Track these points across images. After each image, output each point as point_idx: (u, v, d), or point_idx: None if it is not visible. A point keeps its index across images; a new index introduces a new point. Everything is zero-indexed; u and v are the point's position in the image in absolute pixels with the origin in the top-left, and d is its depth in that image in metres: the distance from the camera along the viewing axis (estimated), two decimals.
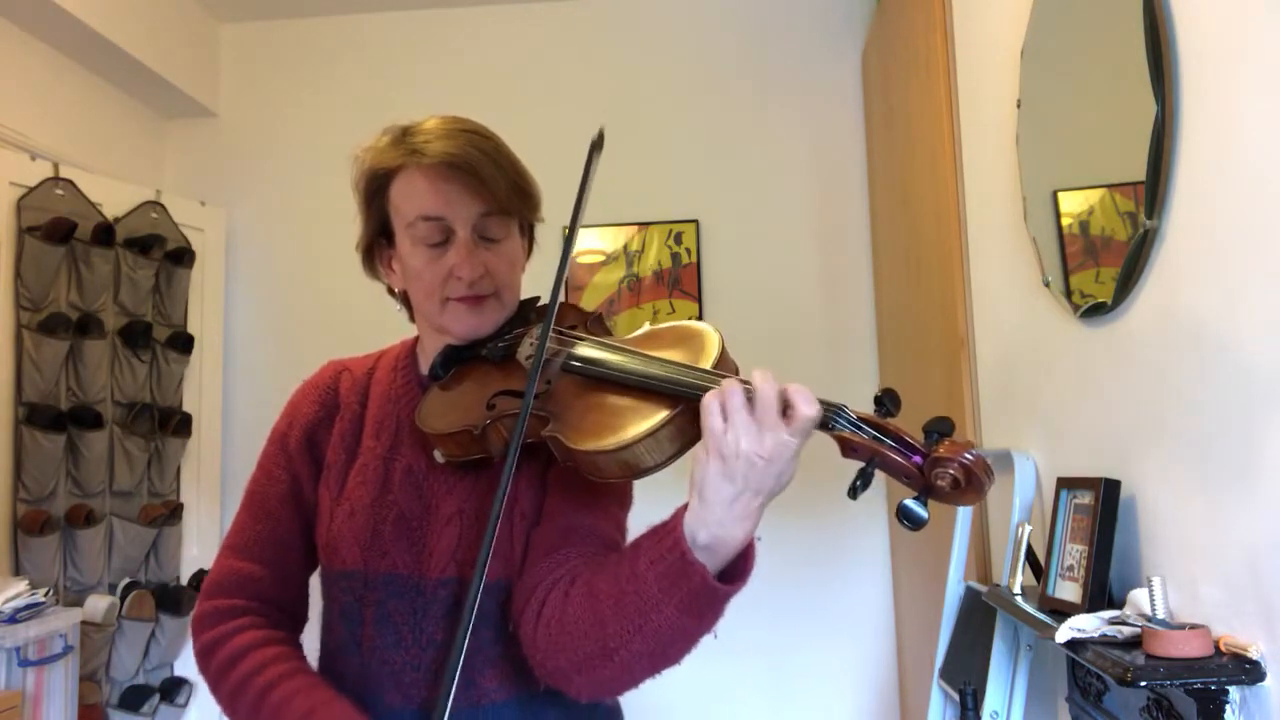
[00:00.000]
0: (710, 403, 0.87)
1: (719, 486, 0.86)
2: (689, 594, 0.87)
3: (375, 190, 1.11)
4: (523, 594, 1.01)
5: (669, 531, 0.89)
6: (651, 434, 0.91)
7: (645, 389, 0.95)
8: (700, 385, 0.90)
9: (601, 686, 0.96)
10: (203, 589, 1.14)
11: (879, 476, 0.86)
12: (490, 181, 1.05)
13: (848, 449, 0.86)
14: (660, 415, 0.91)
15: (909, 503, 0.82)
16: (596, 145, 1.03)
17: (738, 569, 0.91)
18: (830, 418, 0.86)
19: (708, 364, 0.95)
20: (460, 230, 1.07)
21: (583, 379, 1.01)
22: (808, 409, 0.85)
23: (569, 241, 1.05)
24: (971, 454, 0.81)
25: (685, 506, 0.90)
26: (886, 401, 0.87)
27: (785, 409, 0.85)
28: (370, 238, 1.15)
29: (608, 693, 0.98)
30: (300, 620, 1.19)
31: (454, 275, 1.08)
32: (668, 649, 0.91)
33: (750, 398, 0.85)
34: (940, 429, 0.84)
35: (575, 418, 0.97)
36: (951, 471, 0.81)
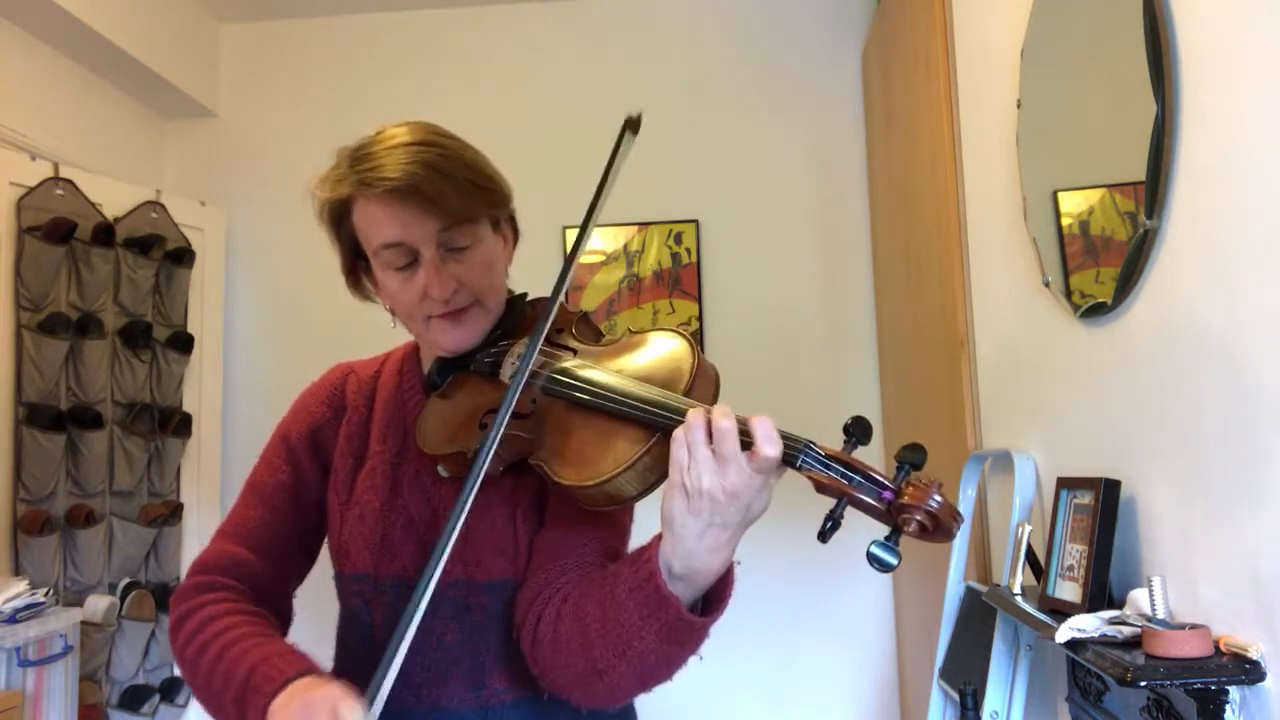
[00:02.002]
0: (677, 441, 0.86)
1: (685, 521, 0.86)
2: (666, 624, 0.88)
3: (338, 220, 1.10)
4: (523, 604, 1.02)
5: (645, 561, 0.90)
6: (631, 466, 0.92)
7: (625, 417, 0.95)
8: (675, 412, 0.91)
9: (597, 700, 0.97)
10: (190, 567, 1.13)
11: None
12: (439, 197, 1.02)
13: (819, 488, 0.85)
14: (637, 448, 0.92)
15: (876, 549, 0.81)
16: (632, 125, 1.01)
17: (717, 595, 0.92)
18: (797, 455, 0.85)
19: (682, 384, 0.95)
20: (425, 250, 1.05)
21: (565, 403, 1.01)
22: (769, 449, 0.83)
23: (576, 247, 1.03)
24: (937, 499, 0.80)
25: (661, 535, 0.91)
26: (855, 432, 0.86)
27: (748, 445, 0.84)
28: (348, 263, 1.15)
29: (605, 704, 1.00)
30: (283, 622, 1.16)
31: (428, 295, 1.06)
32: (654, 671, 0.93)
33: (710, 433, 0.85)
34: (911, 460, 0.83)
35: (559, 446, 0.98)
36: (918, 518, 0.81)
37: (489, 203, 1.09)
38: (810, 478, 0.85)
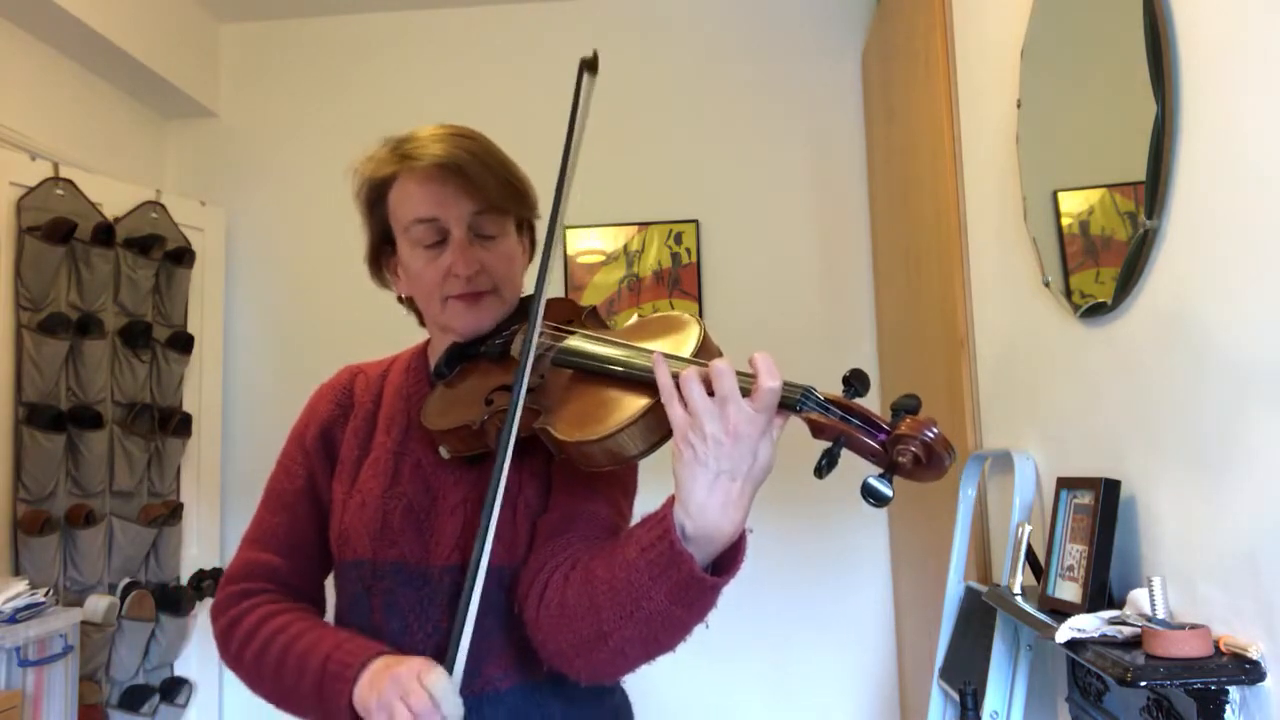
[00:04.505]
0: (668, 394, 0.88)
1: (694, 472, 0.87)
2: (678, 583, 0.89)
3: (375, 199, 1.16)
4: (527, 577, 1.04)
5: (659, 521, 0.91)
6: (633, 422, 0.93)
7: (629, 379, 0.96)
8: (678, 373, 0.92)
9: (599, 669, 0.98)
10: (222, 578, 1.18)
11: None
12: (479, 180, 1.09)
13: (816, 430, 0.87)
14: (640, 404, 0.93)
15: (873, 480, 0.82)
16: (589, 65, 1.04)
17: (729, 560, 0.93)
18: (798, 399, 0.87)
19: (687, 351, 0.96)
20: (455, 230, 1.11)
21: (572, 372, 1.03)
22: (770, 381, 0.85)
23: (558, 201, 1.04)
24: (933, 431, 0.82)
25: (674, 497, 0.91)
26: (855, 382, 0.88)
27: (748, 391, 0.86)
28: (375, 246, 1.20)
29: (606, 675, 1.00)
30: (319, 609, 1.22)
31: (451, 273, 1.11)
32: (660, 636, 0.93)
33: (706, 379, 0.87)
34: (906, 406, 0.85)
35: (563, 409, 1.00)
36: (913, 449, 0.82)
37: (519, 201, 1.16)
38: (809, 419, 0.87)
